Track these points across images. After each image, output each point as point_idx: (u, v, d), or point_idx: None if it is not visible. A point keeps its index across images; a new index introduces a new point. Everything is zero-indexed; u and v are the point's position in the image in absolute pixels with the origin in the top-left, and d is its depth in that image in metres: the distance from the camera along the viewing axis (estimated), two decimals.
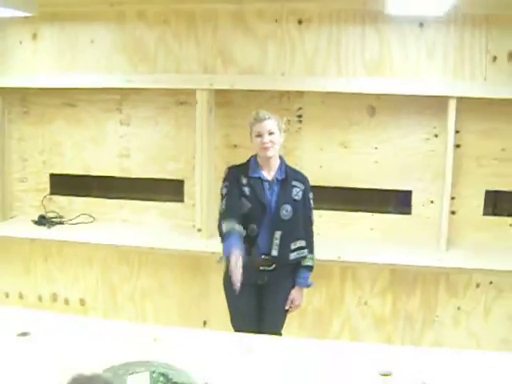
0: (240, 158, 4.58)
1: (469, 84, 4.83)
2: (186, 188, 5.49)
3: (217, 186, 4.90)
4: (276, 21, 5.05)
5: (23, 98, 5.70)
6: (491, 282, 4.97)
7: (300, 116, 5.21)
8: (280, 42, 5.08)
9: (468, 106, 4.81)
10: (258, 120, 4.10)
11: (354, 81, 4.94)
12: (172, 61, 5.27)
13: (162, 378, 2.62)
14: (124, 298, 5.60)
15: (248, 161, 4.31)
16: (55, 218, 5.63)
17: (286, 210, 4.17)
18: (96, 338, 3.25)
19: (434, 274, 5.02)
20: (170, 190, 5.59)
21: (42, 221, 5.56)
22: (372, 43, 4.97)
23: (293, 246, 4.23)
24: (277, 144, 4.13)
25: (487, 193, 5.06)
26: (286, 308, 4.31)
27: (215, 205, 4.88)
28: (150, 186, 5.61)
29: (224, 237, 4.06)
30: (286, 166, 4.29)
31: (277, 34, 5.07)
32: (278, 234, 4.18)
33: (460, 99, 4.75)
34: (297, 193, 4.22)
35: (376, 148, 5.14)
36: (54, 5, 5.07)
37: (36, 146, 5.73)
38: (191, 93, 5.10)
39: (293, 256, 4.23)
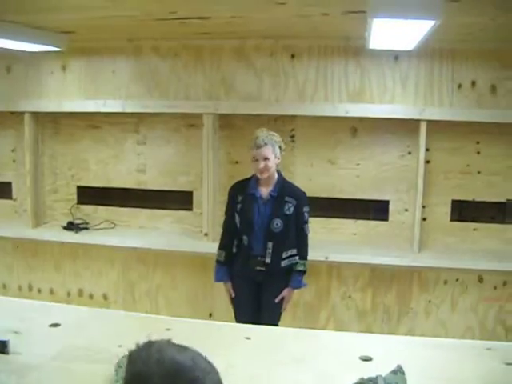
0: (240, 173, 4.71)
1: (437, 109, 4.89)
2: (195, 198, 5.52)
3: (221, 196, 5.07)
4: (271, 55, 5.12)
5: (54, 121, 5.76)
6: (457, 279, 5.08)
7: (293, 136, 5.25)
8: (275, 72, 5.14)
9: (437, 127, 4.88)
10: (256, 147, 4.17)
11: (339, 106, 4.98)
12: (182, 89, 5.32)
13: None
14: (141, 293, 5.67)
15: (250, 177, 4.39)
16: (82, 224, 5.67)
17: (277, 224, 4.23)
18: (116, 327, 3.29)
19: (408, 272, 5.09)
20: (180, 200, 5.61)
21: (71, 226, 5.61)
22: (354, 74, 5.03)
23: (284, 255, 4.31)
24: (271, 167, 4.21)
25: (453, 202, 5.12)
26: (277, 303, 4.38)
27: (219, 213, 5.00)
28: (163, 197, 5.64)
29: (217, 263, 4.48)
30: (284, 182, 4.36)
31: (272, 66, 5.14)
32: (270, 244, 4.27)
33: (430, 122, 4.83)
34: (288, 208, 4.25)
35: (358, 164, 5.19)
36: (80, 41, 5.08)
37: (65, 162, 5.79)
38: (199, 116, 5.16)
39: (284, 263, 4.31)
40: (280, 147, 4.30)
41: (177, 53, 5.31)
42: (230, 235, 4.44)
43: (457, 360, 2.90)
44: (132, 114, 5.43)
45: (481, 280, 5.06)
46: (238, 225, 4.37)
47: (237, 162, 5.37)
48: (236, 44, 5.15)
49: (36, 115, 5.64)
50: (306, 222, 4.38)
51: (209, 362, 1.61)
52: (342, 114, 4.96)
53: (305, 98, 5.14)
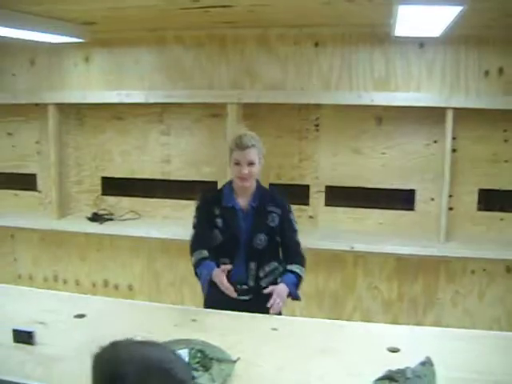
0: (266, 163, 4.67)
1: (464, 96, 4.81)
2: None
3: None
4: (295, 43, 5.09)
5: (78, 112, 5.78)
6: (484, 269, 5.04)
7: (317, 125, 5.23)
8: (299, 61, 5.11)
9: (463, 115, 4.81)
10: (240, 147, 3.54)
11: (364, 94, 4.92)
12: (206, 78, 5.31)
13: (199, 354, 2.65)
14: (166, 284, 5.70)
15: (222, 188, 3.81)
16: (106, 215, 5.70)
17: (260, 240, 3.61)
18: (142, 318, 3.30)
19: (434, 263, 5.05)
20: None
21: (95, 217, 5.63)
22: (379, 62, 4.98)
23: (262, 274, 3.66)
24: (255, 174, 3.63)
25: (480, 191, 5.06)
26: (268, 306, 3.36)
27: None
28: (187, 187, 5.60)
29: (196, 267, 3.58)
30: (263, 189, 3.78)
31: (296, 55, 5.11)
32: (252, 264, 3.64)
33: (456, 110, 4.76)
34: (273, 219, 3.65)
35: (383, 153, 5.15)
36: (103, 32, 5.12)
37: (89, 153, 5.82)
38: (222, 106, 5.13)
39: (264, 283, 3.63)
40: (262, 150, 3.71)
41: (200, 42, 5.30)
42: (203, 249, 3.64)
43: (485, 352, 2.88)
44: (156, 104, 5.42)
45: (508, 270, 5.01)
46: (217, 243, 3.66)
47: None
48: (259, 33, 5.12)
49: (60, 107, 5.65)
50: (296, 231, 3.78)
51: (173, 353, 1.69)
52: (367, 102, 4.90)
53: (329, 86, 5.09)
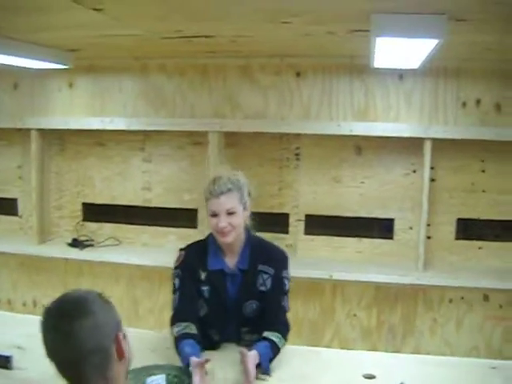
0: None
1: (442, 127, 4.86)
2: (200, 216, 5.48)
3: None
4: (277, 73, 5.13)
5: (60, 138, 5.78)
6: (462, 298, 5.05)
7: (298, 154, 5.26)
8: (280, 91, 5.15)
9: (441, 145, 4.86)
10: (214, 194, 2.92)
11: (343, 124, 4.96)
12: (188, 107, 5.34)
13: (176, 380, 2.67)
14: (145, 310, 5.67)
15: (207, 243, 3.14)
16: (87, 241, 5.66)
17: (252, 308, 3.08)
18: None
19: (413, 291, 5.06)
20: (185, 217, 5.56)
21: (76, 243, 5.59)
22: (359, 92, 5.02)
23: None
24: (238, 226, 2.98)
25: (458, 220, 5.09)
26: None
27: None
28: (168, 215, 5.61)
29: (177, 341, 2.93)
30: (254, 243, 3.12)
31: (277, 85, 5.14)
32: (244, 329, 3.17)
33: (434, 140, 4.80)
34: (264, 281, 3.05)
35: (362, 182, 5.17)
36: (87, 58, 5.16)
37: (71, 179, 5.80)
38: (204, 134, 5.15)
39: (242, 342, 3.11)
40: (249, 193, 3.10)
41: (183, 71, 5.33)
42: (188, 321, 3.00)
43: (461, 378, 2.91)
44: (138, 131, 5.45)
45: (486, 299, 5.03)
46: (203, 314, 3.11)
47: None
48: (241, 63, 5.16)
49: (42, 132, 5.66)
50: (286, 293, 3.13)
51: (105, 300, 1.95)
52: (346, 132, 4.94)
53: (310, 116, 5.14)
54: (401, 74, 4.94)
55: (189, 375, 2.64)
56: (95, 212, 5.86)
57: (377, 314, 5.22)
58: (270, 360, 2.88)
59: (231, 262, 3.06)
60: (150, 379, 2.65)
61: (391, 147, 5.09)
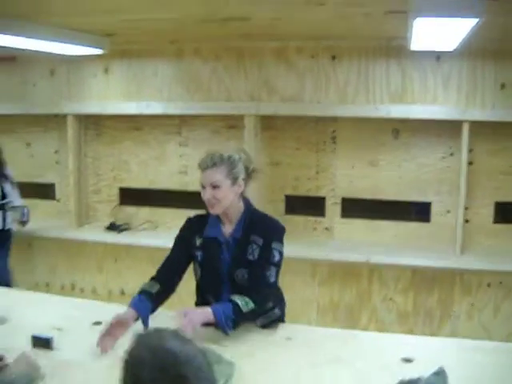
0: (281, 175, 4.69)
1: (480, 109, 4.85)
2: None
3: (260, 196, 5.06)
4: (312, 57, 5.14)
5: (97, 123, 5.88)
6: (501, 282, 5.01)
7: (334, 137, 5.28)
8: (316, 74, 5.16)
9: (479, 128, 4.85)
10: (201, 168, 3.07)
11: (381, 107, 4.98)
12: (223, 91, 5.38)
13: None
14: (182, 293, 5.70)
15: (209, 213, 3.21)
16: (123, 225, 5.76)
17: (243, 276, 3.10)
18: (156, 325, 3.29)
19: (450, 275, 5.05)
20: None
21: (113, 227, 5.71)
22: (395, 74, 5.02)
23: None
24: (223, 199, 3.05)
25: (496, 203, 5.08)
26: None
27: None
28: None
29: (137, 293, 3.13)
30: (251, 215, 3.18)
31: (313, 68, 5.16)
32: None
33: (472, 123, 4.80)
34: (252, 251, 3.10)
35: (400, 166, 5.18)
36: (122, 43, 5.22)
37: (108, 164, 5.91)
38: (240, 118, 5.21)
39: (260, 322, 3.16)
40: (247, 168, 3.15)
41: (218, 55, 5.37)
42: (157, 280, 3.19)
43: (499, 363, 2.81)
44: (174, 116, 5.52)
45: None
46: (198, 278, 3.28)
47: (278, 164, 5.40)
48: (277, 46, 5.18)
49: (79, 117, 5.77)
50: (273, 264, 3.08)
51: (208, 363, 1.60)
52: (383, 115, 4.97)
53: (346, 99, 5.14)
54: (438, 56, 4.93)
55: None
56: (132, 196, 5.94)
57: (413, 299, 5.21)
58: (233, 320, 2.91)
59: (227, 231, 3.16)
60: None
61: (428, 130, 5.09)
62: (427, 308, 5.18)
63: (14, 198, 5.30)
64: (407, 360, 2.83)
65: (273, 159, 5.42)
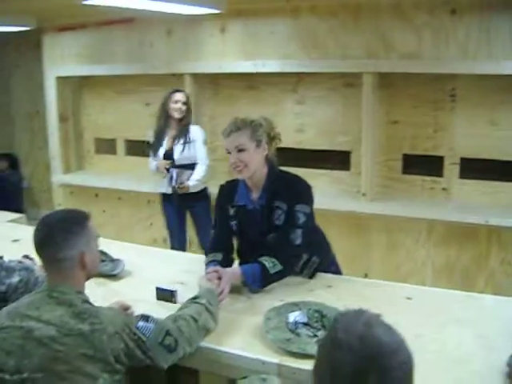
0: (399, 133, 4.62)
1: None
2: (353, 158, 5.54)
3: (380, 156, 5.15)
4: (431, 11, 4.99)
5: (213, 82, 5.99)
6: None
7: (453, 95, 5.13)
8: (435, 30, 5.00)
9: None
10: (225, 134, 3.13)
11: (504, 63, 4.75)
12: (340, 48, 5.32)
13: (316, 314, 2.72)
14: None
15: (238, 180, 3.30)
16: None
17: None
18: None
19: None
20: (338, 159, 5.66)
21: None
22: None
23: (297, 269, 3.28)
24: (250, 163, 3.08)
25: None
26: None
27: (378, 173, 5.14)
28: (320, 157, 5.71)
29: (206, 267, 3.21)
30: (275, 178, 3.21)
31: (432, 23, 5.00)
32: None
33: None
34: (278, 216, 3.15)
35: None
36: (239, 3, 5.28)
37: (224, 122, 5.82)
38: (357, 76, 5.17)
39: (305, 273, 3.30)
40: (269, 134, 3.22)
41: (334, 12, 5.31)
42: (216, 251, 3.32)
43: None
44: (290, 74, 5.53)
45: None
46: (237, 246, 3.42)
47: (395, 122, 5.33)
48: (394, 1, 5.07)
49: (196, 76, 5.88)
50: (299, 227, 3.12)
51: (410, 354, 1.55)
52: (506, 72, 4.75)
53: (467, 55, 4.95)
54: None
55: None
56: None
57: None
58: (260, 281, 3.05)
59: (255, 197, 3.23)
60: (291, 315, 2.74)
61: None
62: None
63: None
64: None
65: (390, 117, 5.35)
